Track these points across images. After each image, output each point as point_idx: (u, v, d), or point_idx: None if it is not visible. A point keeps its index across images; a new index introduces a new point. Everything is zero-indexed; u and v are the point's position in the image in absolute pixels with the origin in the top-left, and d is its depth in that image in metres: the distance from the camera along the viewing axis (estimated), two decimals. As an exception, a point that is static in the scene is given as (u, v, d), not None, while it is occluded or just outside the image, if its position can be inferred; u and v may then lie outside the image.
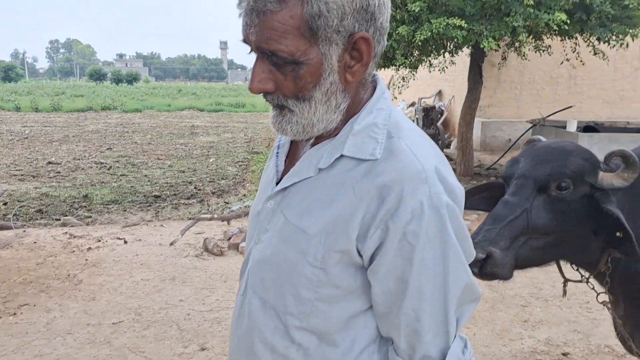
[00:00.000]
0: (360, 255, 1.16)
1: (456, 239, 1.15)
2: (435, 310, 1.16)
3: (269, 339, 1.25)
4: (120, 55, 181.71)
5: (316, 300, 1.20)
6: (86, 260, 5.66)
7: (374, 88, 1.24)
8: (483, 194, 2.49)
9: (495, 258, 2.08)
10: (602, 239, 2.23)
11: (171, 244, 6.18)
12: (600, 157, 2.45)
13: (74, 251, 5.94)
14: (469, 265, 1.24)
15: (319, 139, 1.24)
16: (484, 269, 2.08)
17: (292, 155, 1.33)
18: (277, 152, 1.36)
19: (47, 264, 5.52)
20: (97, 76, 77.00)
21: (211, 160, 13.38)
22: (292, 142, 1.35)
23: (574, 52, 9.83)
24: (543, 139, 2.46)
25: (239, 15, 1.13)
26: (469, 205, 2.58)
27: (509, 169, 2.33)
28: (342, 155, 1.17)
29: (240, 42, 1.16)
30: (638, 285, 2.41)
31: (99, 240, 6.32)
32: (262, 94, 1.16)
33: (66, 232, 6.64)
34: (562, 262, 2.56)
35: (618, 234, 2.14)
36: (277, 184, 1.29)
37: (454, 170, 10.91)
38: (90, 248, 6.04)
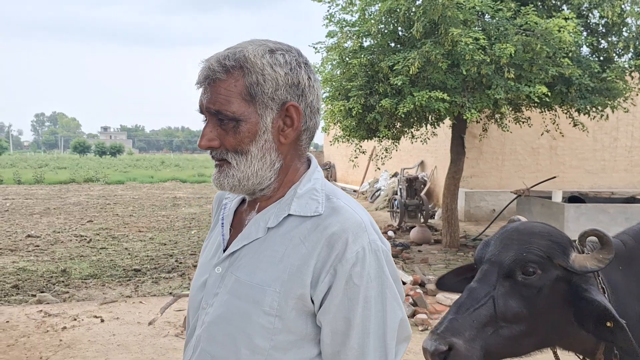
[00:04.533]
0: (313, 302, 1.32)
1: (391, 279, 1.35)
2: (377, 343, 1.32)
3: None
4: (105, 128, 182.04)
5: (271, 349, 1.32)
6: (60, 340, 5.40)
7: (309, 164, 1.47)
8: (464, 276, 2.32)
9: (459, 350, 1.90)
10: (589, 329, 2.00)
11: (150, 323, 5.91)
12: (588, 227, 2.32)
13: (47, 331, 5.67)
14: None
15: (263, 205, 1.42)
16: None
17: (236, 224, 1.49)
18: (222, 223, 1.50)
19: (18, 346, 5.25)
20: (82, 149, 76.79)
21: (193, 232, 13.14)
22: (235, 212, 1.51)
23: (553, 123, 9.97)
24: (523, 218, 2.32)
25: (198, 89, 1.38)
26: (450, 288, 2.44)
27: (479, 252, 2.19)
28: (289, 215, 1.37)
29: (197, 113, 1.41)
30: None
31: (75, 319, 6.05)
32: (209, 150, 1.37)
33: (41, 310, 6.37)
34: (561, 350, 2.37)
35: (608, 324, 1.93)
36: (224, 251, 1.44)
37: (440, 241, 10.81)
38: (65, 327, 5.77)
